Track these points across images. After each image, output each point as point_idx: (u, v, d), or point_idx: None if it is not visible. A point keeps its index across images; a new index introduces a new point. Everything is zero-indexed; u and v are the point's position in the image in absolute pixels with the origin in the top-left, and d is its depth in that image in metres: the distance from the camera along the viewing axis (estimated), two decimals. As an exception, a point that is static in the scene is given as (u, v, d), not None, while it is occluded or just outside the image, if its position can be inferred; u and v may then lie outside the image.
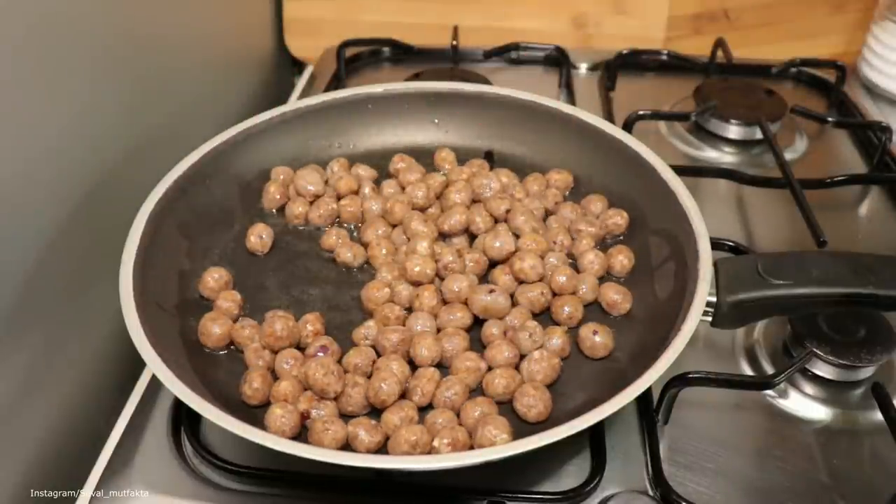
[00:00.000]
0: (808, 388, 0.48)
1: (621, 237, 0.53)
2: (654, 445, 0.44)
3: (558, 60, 0.81)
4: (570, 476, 0.43)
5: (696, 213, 0.47)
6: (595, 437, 0.44)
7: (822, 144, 0.72)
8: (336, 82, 0.79)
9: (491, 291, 0.47)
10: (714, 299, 0.42)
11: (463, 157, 0.59)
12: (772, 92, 0.73)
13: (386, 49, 0.84)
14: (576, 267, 0.50)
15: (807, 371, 0.48)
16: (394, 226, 0.53)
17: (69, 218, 0.49)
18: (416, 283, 0.48)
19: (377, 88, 0.60)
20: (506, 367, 0.44)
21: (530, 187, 0.56)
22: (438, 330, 0.47)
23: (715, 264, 0.43)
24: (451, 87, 0.61)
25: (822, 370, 0.48)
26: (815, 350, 0.47)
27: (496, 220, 0.53)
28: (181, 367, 0.41)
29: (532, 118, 0.59)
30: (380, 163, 0.59)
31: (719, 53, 0.79)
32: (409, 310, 0.48)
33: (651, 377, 0.38)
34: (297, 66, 0.91)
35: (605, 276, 0.50)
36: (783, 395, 0.48)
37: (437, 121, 0.61)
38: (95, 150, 0.52)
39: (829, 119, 0.71)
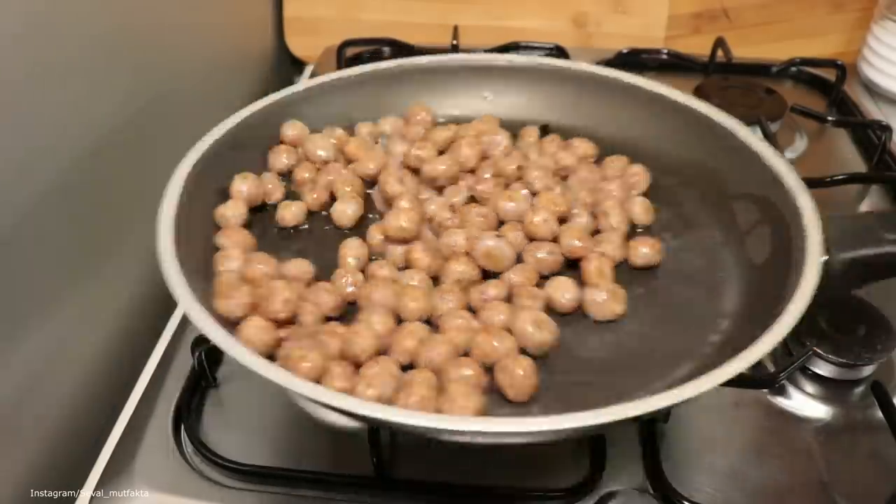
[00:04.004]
0: (808, 387, 0.48)
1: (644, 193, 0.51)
2: (654, 443, 0.44)
3: (558, 60, 0.81)
4: (570, 474, 0.43)
5: (788, 170, 0.44)
6: (595, 435, 0.44)
7: (822, 144, 0.72)
8: (336, 81, 0.78)
9: (497, 237, 0.44)
10: (825, 258, 0.38)
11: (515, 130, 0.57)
12: (772, 91, 0.73)
13: (386, 48, 0.84)
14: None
15: (807, 369, 0.48)
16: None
17: (68, 218, 0.49)
18: (404, 241, 0.46)
19: (423, 60, 0.58)
20: (497, 331, 0.40)
21: (547, 149, 0.53)
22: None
23: (824, 220, 0.40)
24: (504, 60, 0.59)
25: (822, 368, 0.48)
26: (815, 348, 0.47)
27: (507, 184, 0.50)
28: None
29: (589, 89, 0.57)
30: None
31: (719, 52, 0.79)
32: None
33: (774, 339, 0.36)
34: (298, 64, 0.91)
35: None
36: (783, 393, 0.48)
37: (487, 95, 0.59)
38: (95, 150, 0.52)
39: (829, 118, 0.71)
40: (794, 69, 0.81)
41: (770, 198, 0.45)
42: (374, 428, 0.42)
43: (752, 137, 0.48)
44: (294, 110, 0.55)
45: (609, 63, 0.79)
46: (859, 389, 0.48)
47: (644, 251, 0.46)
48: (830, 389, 0.48)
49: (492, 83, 0.59)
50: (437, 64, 0.58)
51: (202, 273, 0.43)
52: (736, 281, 0.45)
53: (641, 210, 0.49)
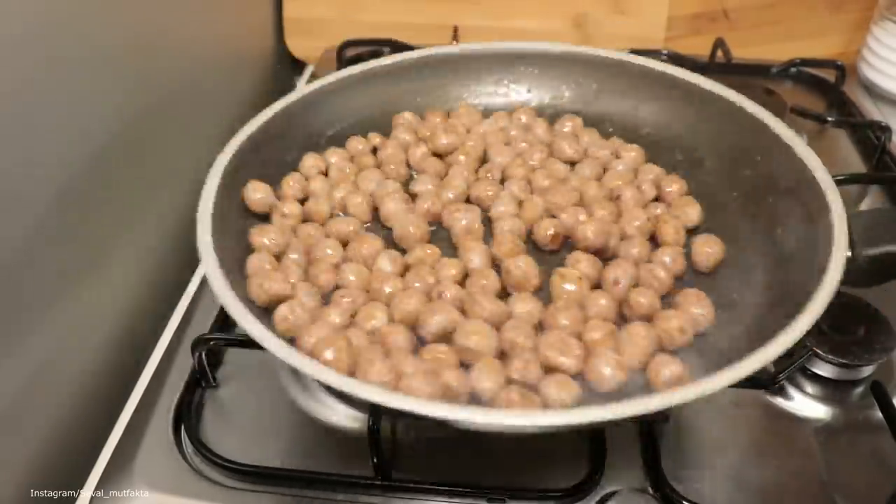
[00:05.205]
0: (808, 387, 0.48)
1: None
2: (654, 444, 0.44)
3: (558, 60, 0.81)
4: (570, 474, 0.43)
5: (818, 164, 0.45)
6: (594, 435, 0.44)
7: (822, 144, 0.72)
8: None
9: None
10: (848, 254, 0.39)
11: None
12: (771, 92, 0.73)
13: (386, 49, 0.84)
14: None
15: (806, 370, 0.48)
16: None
17: (69, 219, 0.49)
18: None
19: (454, 49, 0.61)
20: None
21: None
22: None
23: (849, 217, 0.41)
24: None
25: (822, 369, 0.48)
26: (814, 349, 0.47)
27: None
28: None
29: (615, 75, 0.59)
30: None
31: (719, 53, 0.79)
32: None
33: (792, 337, 0.36)
34: (298, 66, 0.91)
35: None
36: (783, 393, 0.48)
37: (507, 82, 0.62)
38: (96, 151, 0.52)
39: (829, 119, 0.71)
40: (793, 70, 0.81)
41: (800, 194, 0.46)
42: (375, 428, 0.42)
43: (784, 129, 0.49)
44: (321, 104, 0.57)
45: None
46: (859, 389, 0.48)
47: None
48: (830, 389, 0.48)
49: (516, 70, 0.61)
50: (464, 53, 0.61)
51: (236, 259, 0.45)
52: (762, 273, 0.45)
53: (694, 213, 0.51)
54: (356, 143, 0.57)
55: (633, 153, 0.56)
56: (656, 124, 0.58)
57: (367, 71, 0.58)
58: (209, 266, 0.40)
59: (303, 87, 0.56)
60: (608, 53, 0.59)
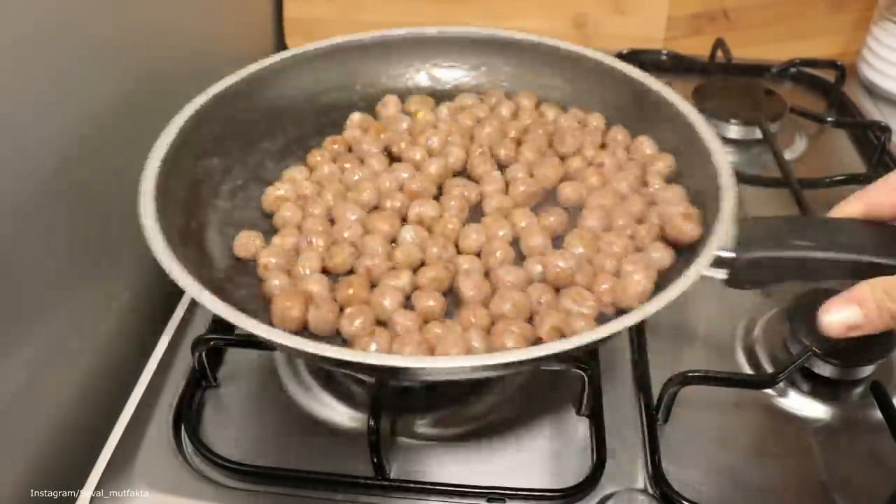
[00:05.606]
0: (808, 387, 0.48)
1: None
2: (654, 444, 0.44)
3: (558, 60, 0.81)
4: (570, 474, 0.43)
5: (725, 167, 0.46)
6: (595, 435, 0.44)
7: (822, 144, 0.72)
8: (336, 82, 0.79)
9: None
10: (732, 255, 0.40)
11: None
12: (771, 92, 0.73)
13: (385, 49, 0.84)
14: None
15: (806, 370, 0.48)
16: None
17: (67, 218, 0.49)
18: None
19: (431, 30, 0.65)
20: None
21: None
22: None
23: (738, 220, 0.42)
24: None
25: (822, 369, 0.48)
26: (814, 349, 0.47)
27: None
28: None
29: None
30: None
31: (719, 53, 0.80)
32: None
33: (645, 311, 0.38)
34: (297, 66, 0.91)
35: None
36: (783, 393, 0.48)
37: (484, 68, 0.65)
38: (96, 150, 0.52)
39: (829, 119, 0.71)
40: (793, 70, 0.81)
41: (706, 190, 0.47)
42: (375, 428, 0.42)
43: (706, 129, 0.49)
44: (289, 73, 0.59)
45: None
46: (859, 389, 0.48)
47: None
48: (830, 389, 0.48)
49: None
50: (441, 34, 0.65)
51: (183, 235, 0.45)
52: None
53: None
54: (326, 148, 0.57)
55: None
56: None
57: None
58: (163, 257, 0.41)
59: (261, 62, 0.58)
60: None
